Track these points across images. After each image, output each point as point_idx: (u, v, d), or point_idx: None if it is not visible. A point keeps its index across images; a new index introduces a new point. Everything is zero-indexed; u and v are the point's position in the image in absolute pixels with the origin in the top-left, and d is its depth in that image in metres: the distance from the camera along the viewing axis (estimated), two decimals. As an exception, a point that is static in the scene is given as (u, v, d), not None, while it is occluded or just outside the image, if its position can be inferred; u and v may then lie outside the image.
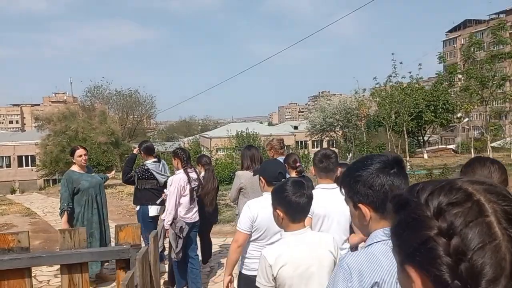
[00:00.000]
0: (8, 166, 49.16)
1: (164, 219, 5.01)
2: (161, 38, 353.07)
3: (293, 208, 2.20)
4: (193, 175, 5.16)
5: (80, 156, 5.43)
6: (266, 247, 2.51)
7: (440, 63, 15.33)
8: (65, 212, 5.23)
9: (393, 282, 1.31)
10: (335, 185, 3.17)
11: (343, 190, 1.51)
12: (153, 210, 5.73)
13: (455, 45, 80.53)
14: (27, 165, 48.27)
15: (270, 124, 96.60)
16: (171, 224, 4.93)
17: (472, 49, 13.30)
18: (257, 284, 2.22)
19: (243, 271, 3.03)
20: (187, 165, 5.11)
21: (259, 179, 3.10)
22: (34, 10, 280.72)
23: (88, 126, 21.99)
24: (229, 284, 3.03)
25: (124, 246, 2.58)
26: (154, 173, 5.74)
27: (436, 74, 17.67)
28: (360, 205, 1.43)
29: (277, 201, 2.25)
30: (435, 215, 0.66)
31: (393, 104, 18.29)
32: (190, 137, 51.01)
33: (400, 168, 1.45)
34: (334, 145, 34.35)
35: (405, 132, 19.37)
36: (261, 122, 78.52)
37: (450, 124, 32.05)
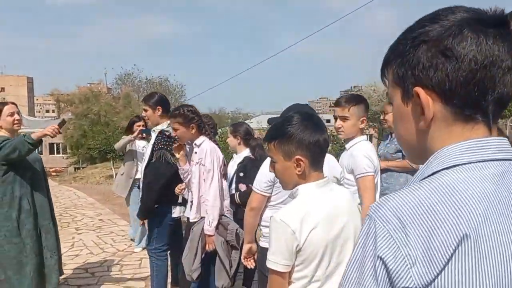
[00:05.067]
0: (40, 153, 48.78)
1: (197, 220, 3.04)
2: (193, 32, 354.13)
3: (318, 149, 1.54)
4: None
5: (11, 114, 3.49)
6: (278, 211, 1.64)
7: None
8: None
9: None
10: None
11: None
12: (177, 210, 3.65)
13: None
14: (58, 152, 48.00)
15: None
16: (216, 227, 2.93)
17: None
18: (270, 265, 1.47)
19: (261, 244, 2.44)
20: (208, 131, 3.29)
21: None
22: (72, 2, 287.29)
23: (111, 110, 20.42)
24: (249, 254, 2.59)
25: None
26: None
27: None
28: None
29: (296, 144, 1.53)
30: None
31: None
32: (219, 129, 49.58)
33: None
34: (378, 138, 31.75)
35: None
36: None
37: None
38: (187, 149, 3.34)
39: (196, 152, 3.09)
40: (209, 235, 2.93)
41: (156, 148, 3.54)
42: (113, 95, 32.15)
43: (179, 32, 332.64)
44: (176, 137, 3.19)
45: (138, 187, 5.75)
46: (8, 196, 3.33)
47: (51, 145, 49.33)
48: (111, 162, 16.09)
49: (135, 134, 5.43)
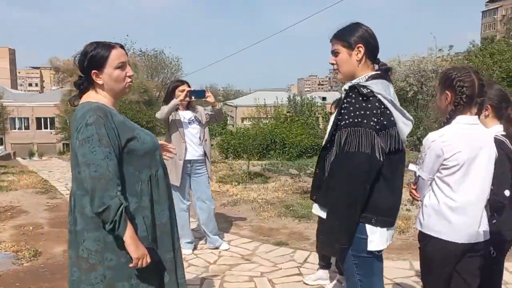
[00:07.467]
0: (27, 128, 46.69)
1: None
2: (184, 5, 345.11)
3: None
4: None
5: (122, 67, 2.00)
6: None
7: None
8: (124, 213, 1.77)
9: None
10: None
11: None
12: (381, 236, 1.97)
13: (496, 16, 74.74)
14: (46, 127, 45.46)
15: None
16: None
17: None
18: None
19: None
20: None
21: None
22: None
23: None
24: None
25: None
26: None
27: None
28: None
29: None
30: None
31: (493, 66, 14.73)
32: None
33: None
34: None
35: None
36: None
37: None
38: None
39: None
40: None
41: (347, 120, 1.88)
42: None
43: (169, 4, 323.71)
44: None
45: (189, 173, 4.25)
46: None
47: (38, 119, 46.39)
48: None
49: (182, 96, 4.05)
